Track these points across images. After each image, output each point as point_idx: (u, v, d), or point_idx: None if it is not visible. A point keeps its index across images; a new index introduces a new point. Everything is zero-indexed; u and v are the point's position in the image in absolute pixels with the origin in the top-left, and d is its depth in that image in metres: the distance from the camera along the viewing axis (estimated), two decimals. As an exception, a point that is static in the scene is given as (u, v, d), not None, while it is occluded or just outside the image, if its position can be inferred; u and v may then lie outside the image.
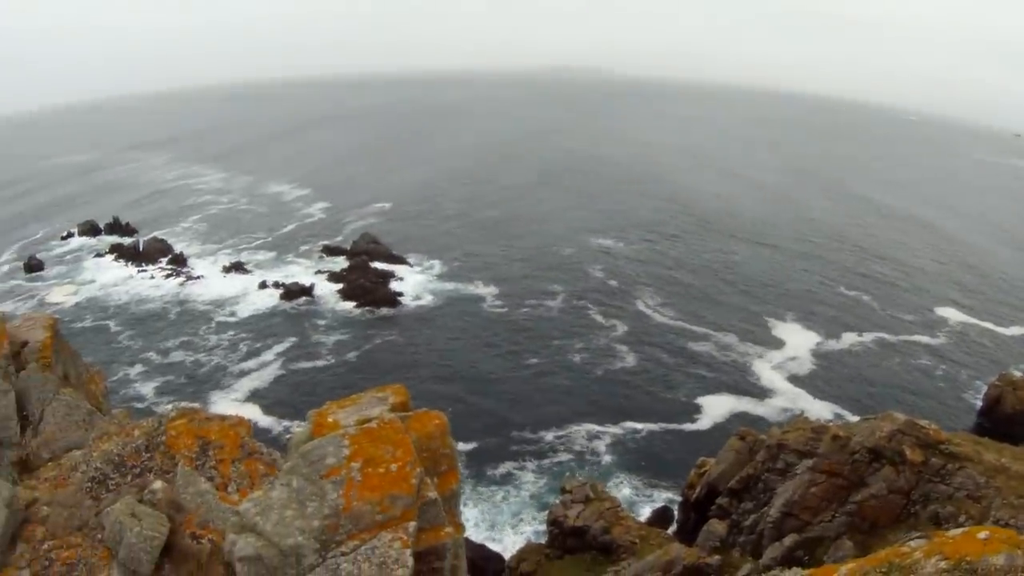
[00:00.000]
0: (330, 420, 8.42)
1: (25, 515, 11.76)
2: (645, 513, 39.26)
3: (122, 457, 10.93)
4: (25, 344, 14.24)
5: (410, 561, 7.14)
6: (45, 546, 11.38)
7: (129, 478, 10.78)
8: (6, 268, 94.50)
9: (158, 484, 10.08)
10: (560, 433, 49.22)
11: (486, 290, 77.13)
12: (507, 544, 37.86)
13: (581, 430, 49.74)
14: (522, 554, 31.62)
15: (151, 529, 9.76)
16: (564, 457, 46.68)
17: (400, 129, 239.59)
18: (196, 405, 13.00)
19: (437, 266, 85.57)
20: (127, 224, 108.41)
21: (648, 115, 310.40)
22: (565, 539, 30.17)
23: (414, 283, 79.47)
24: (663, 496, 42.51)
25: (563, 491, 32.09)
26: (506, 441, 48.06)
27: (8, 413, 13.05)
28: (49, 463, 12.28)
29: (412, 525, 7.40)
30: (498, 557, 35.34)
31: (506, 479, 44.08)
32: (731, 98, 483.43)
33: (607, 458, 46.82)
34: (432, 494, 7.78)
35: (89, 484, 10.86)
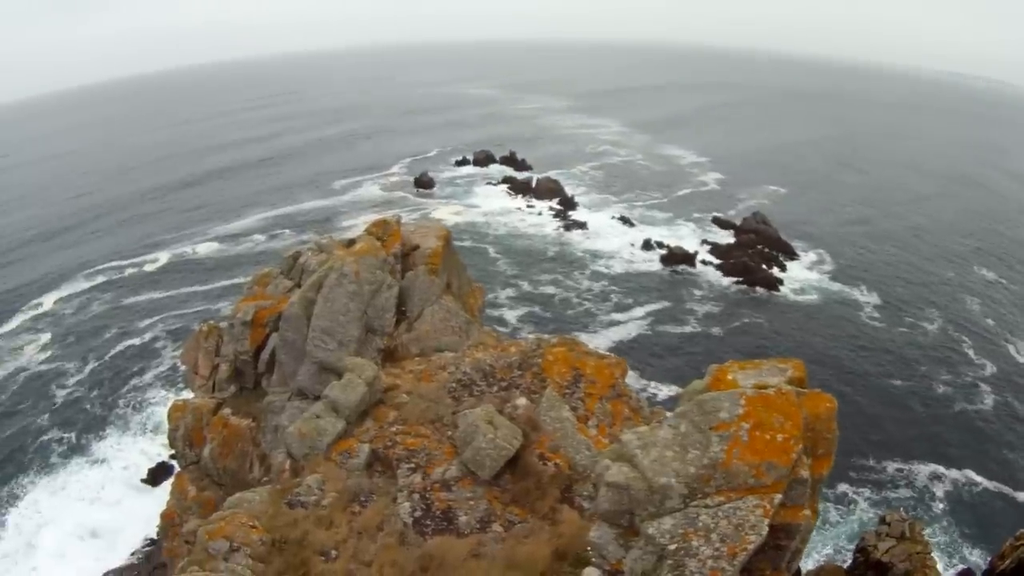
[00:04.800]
0: (729, 377, 10.26)
1: (381, 397, 15.53)
2: (947, 567, 39.06)
3: (493, 368, 14.00)
4: (416, 248, 18.45)
5: (765, 531, 8.63)
6: (393, 429, 15.10)
7: (495, 389, 13.79)
8: (396, 179, 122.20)
9: (522, 401, 12.81)
10: (903, 466, 51.34)
11: (867, 298, 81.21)
12: (812, 558, 40.03)
13: (925, 469, 51.10)
14: (820, 571, 32.42)
15: (504, 440, 12.47)
16: (903, 493, 48.27)
17: (808, 115, 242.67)
18: (576, 338, 15.59)
19: (823, 261, 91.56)
20: (523, 160, 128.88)
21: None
22: (866, 570, 30.18)
23: (796, 272, 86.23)
24: (972, 556, 41.97)
25: (882, 521, 32.51)
26: (851, 459, 52.00)
27: (388, 305, 17.13)
28: (416, 358, 15.93)
29: (778, 497, 8.89)
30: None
31: (840, 499, 47.42)
32: None
33: (940, 504, 47.48)
34: (805, 473, 9.18)
35: (454, 385, 14.05)
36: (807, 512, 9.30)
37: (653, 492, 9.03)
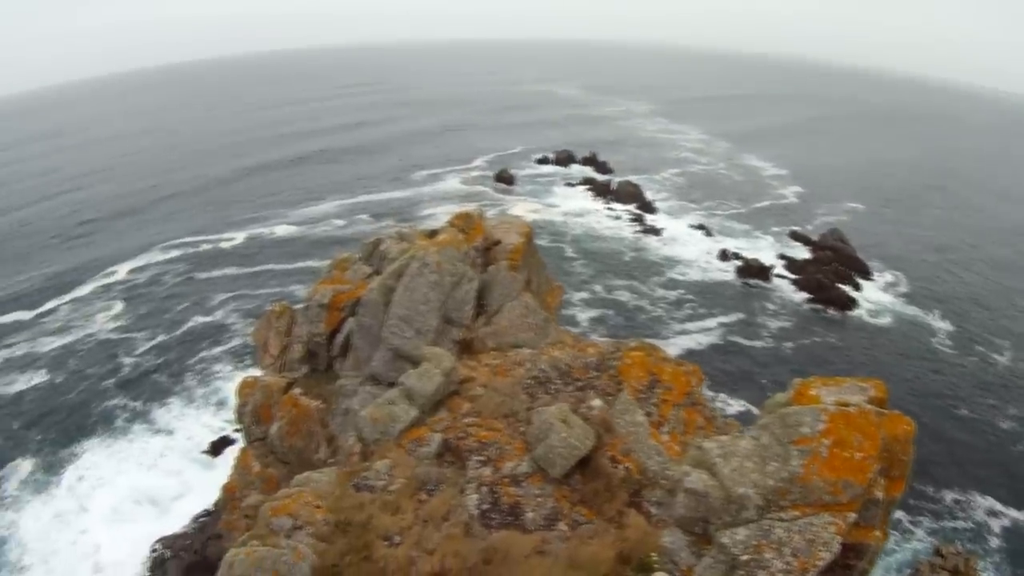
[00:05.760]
0: (811, 393, 10.56)
1: (456, 388, 16.03)
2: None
3: (570, 368, 14.40)
4: (497, 243, 18.97)
5: (837, 548, 8.95)
6: (466, 420, 15.59)
7: (571, 388, 14.19)
8: (476, 174, 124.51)
9: (597, 402, 13.19)
10: (961, 497, 51.34)
11: (940, 324, 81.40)
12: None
13: (984, 502, 50.76)
14: (872, 599, 32.26)
15: (577, 440, 12.85)
16: (959, 525, 48.10)
17: (895, 134, 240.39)
18: (655, 343, 15.94)
19: (898, 283, 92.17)
20: (604, 162, 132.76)
21: None
22: (917, 602, 30.12)
23: (870, 293, 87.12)
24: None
25: (936, 553, 32.55)
26: (910, 485, 50.52)
27: (467, 298, 17.69)
28: (492, 352, 16.34)
29: (852, 516, 9.20)
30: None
31: (895, 525, 48.43)
32: None
33: (996, 540, 47.00)
34: (879, 494, 9.51)
35: (530, 381, 14.49)
36: (878, 533, 9.59)
37: (730, 501, 9.36)
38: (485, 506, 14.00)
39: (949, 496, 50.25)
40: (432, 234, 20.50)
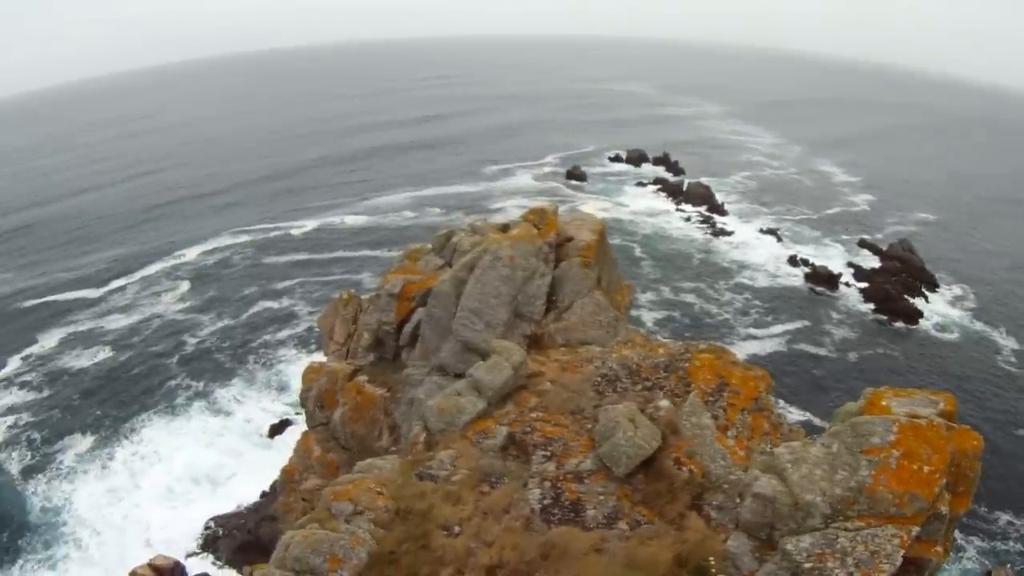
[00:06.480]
0: (883, 403, 10.80)
1: (525, 382, 16.44)
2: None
3: (639, 367, 14.75)
4: (570, 239, 19.36)
5: (899, 562, 9.13)
6: (533, 415, 16.04)
7: (639, 388, 14.55)
8: (548, 170, 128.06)
9: (665, 403, 13.50)
10: (1015, 520, 51.09)
11: (1006, 341, 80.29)
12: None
13: None
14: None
15: (643, 439, 13.18)
16: (1012, 547, 47.92)
17: (978, 145, 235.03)
18: (724, 346, 16.21)
19: (965, 297, 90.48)
20: (675, 162, 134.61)
21: None
22: (966, 623, 30.13)
23: (937, 306, 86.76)
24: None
25: (987, 575, 32.33)
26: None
27: (539, 293, 18.12)
28: (562, 348, 16.72)
29: (916, 530, 9.36)
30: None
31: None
32: None
33: None
34: (944, 509, 9.66)
35: (598, 379, 14.86)
36: (939, 549, 9.74)
37: (797, 508, 9.58)
38: (547, 501, 14.29)
39: (1003, 517, 50.13)
40: (504, 228, 21.01)
